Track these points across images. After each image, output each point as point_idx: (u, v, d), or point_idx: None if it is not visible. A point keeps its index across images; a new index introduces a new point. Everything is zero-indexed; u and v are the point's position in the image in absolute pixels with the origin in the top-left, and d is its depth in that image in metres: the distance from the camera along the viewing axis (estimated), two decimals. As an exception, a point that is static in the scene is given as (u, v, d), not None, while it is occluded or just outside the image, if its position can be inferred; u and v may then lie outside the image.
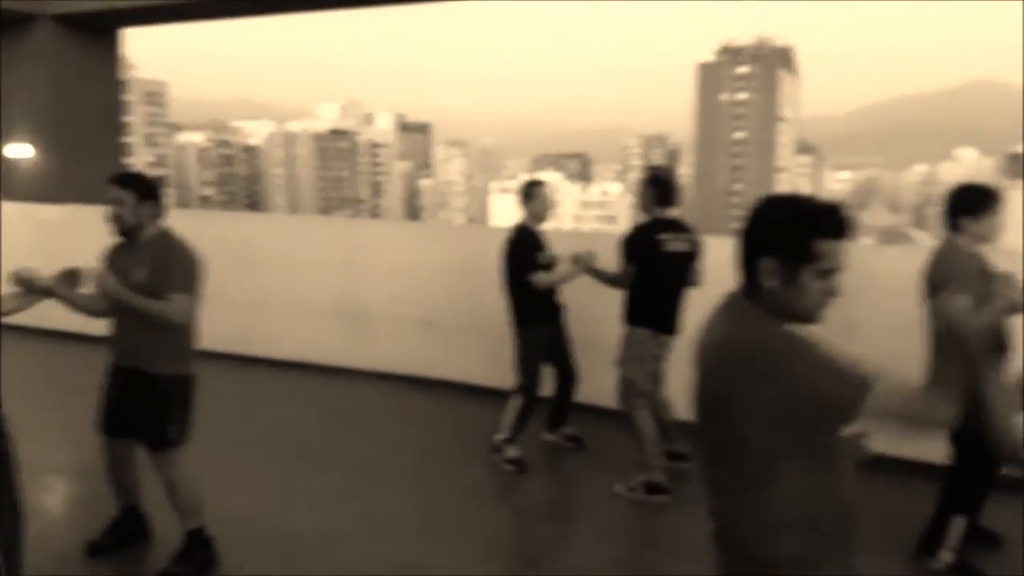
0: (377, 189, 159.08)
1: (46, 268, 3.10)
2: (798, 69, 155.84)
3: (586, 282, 4.79)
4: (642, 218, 4.44)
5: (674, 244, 4.33)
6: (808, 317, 1.64)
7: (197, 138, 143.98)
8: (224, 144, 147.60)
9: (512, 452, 4.79)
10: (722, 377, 1.62)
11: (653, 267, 4.31)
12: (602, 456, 5.08)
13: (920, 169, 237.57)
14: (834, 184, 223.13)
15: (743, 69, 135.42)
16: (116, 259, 3.47)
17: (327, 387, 6.55)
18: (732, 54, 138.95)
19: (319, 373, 6.81)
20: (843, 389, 1.53)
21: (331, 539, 3.87)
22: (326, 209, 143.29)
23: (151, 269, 3.36)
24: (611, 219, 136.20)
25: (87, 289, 3.43)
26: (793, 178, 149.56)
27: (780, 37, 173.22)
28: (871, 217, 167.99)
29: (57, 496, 4.42)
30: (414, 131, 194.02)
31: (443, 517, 4.18)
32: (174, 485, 3.44)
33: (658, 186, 4.37)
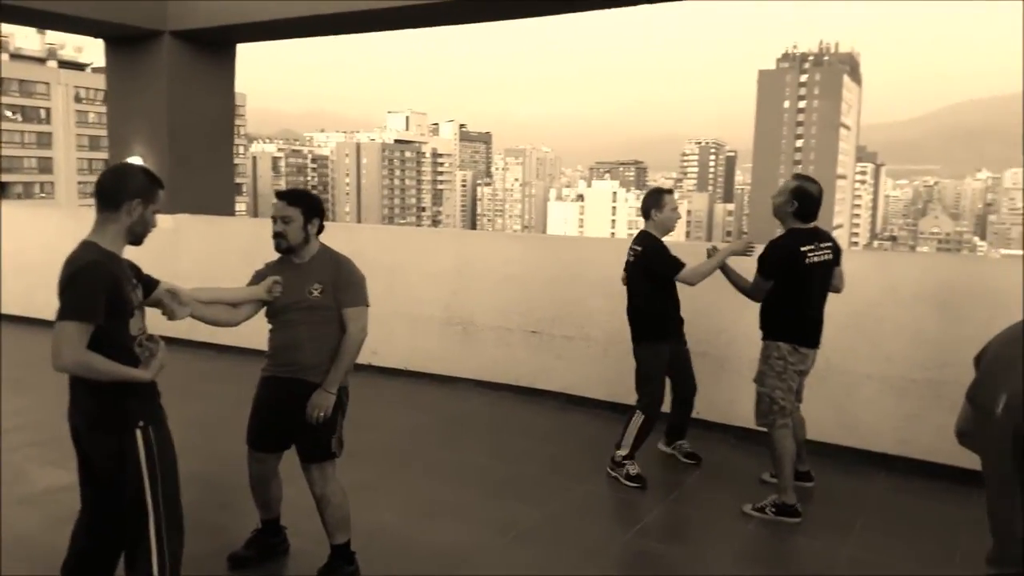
0: (438, 197, 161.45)
1: (154, 274, 3.05)
2: (861, 76, 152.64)
3: (696, 294, 4.73)
4: (780, 230, 4.33)
5: (817, 255, 4.21)
6: None
7: (270, 148, 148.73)
8: (295, 154, 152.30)
9: (634, 469, 4.74)
10: None
11: (796, 281, 4.19)
12: (720, 473, 5.01)
13: (983, 176, 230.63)
14: (892, 191, 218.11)
15: (806, 76, 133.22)
16: (281, 279, 3.45)
17: (433, 395, 6.61)
18: (795, 61, 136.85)
19: (423, 381, 6.89)
20: None
21: (464, 554, 3.87)
22: (390, 217, 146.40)
23: (325, 285, 3.39)
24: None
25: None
26: (852, 185, 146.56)
27: (842, 42, 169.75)
28: (930, 224, 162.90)
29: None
30: (475, 140, 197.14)
31: (572, 534, 4.15)
32: (326, 499, 3.43)
33: (803, 199, 4.21)
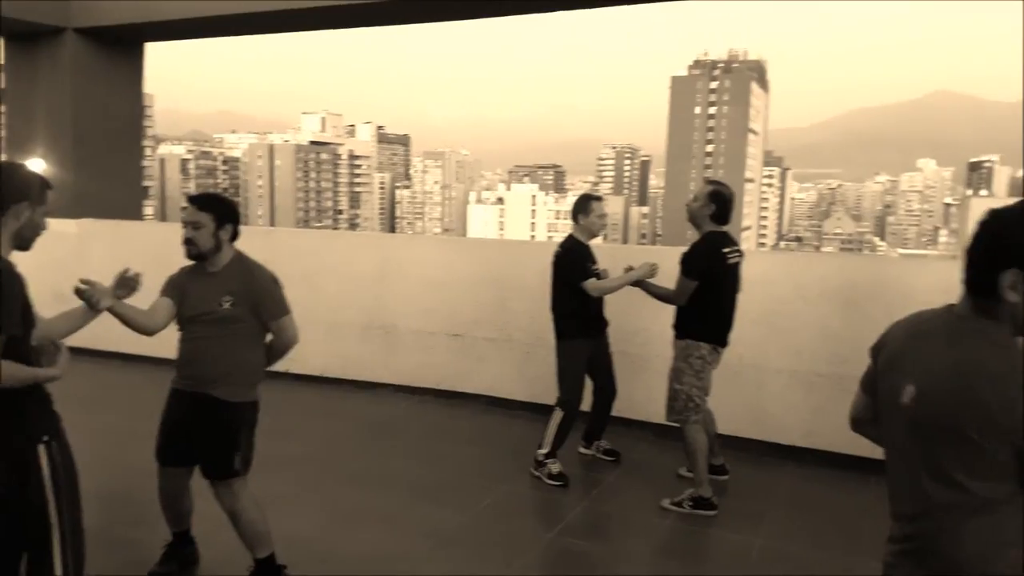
0: (356, 200, 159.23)
1: (60, 283, 2.94)
2: (768, 83, 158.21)
3: (615, 294, 4.81)
4: (693, 234, 4.47)
5: (733, 258, 4.38)
6: None
7: (179, 150, 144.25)
8: (205, 156, 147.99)
9: (555, 467, 4.81)
10: (979, 400, 1.59)
11: (717, 282, 4.33)
12: (639, 469, 5.13)
13: (882, 180, 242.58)
14: (797, 193, 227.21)
15: (716, 83, 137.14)
16: (192, 287, 3.35)
17: (354, 402, 6.53)
18: (706, 68, 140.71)
19: (344, 387, 6.80)
20: None
21: (389, 560, 3.85)
22: (305, 220, 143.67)
23: (237, 297, 3.30)
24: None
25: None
26: (760, 189, 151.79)
27: (751, 51, 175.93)
28: (833, 226, 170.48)
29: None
30: (393, 142, 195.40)
31: (495, 535, 4.17)
32: (237, 515, 3.35)
33: (720, 202, 4.36)
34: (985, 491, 1.61)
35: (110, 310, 3.01)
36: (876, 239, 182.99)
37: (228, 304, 3.29)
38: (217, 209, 3.32)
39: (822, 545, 4.11)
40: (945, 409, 1.65)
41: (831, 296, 5.22)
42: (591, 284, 4.65)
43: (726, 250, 4.33)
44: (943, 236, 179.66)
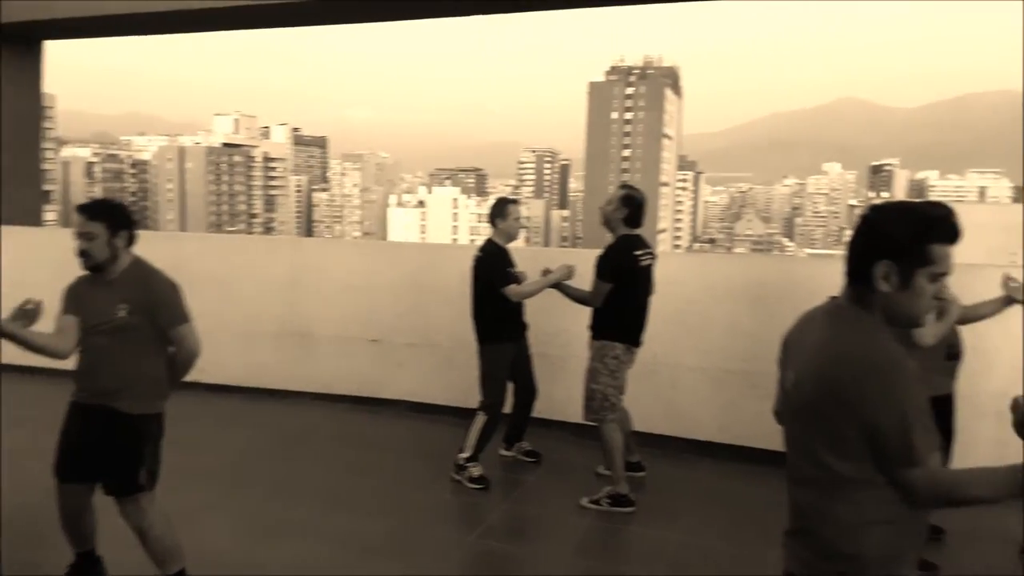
0: (271, 203, 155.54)
1: None
2: (681, 89, 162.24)
3: (536, 296, 4.85)
4: (610, 237, 4.54)
5: (646, 260, 4.49)
6: (918, 321, 1.76)
7: (83, 152, 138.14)
8: (112, 159, 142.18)
9: (476, 471, 4.82)
10: (837, 381, 1.69)
11: (630, 283, 4.43)
12: (559, 469, 5.18)
13: (790, 183, 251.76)
14: (710, 197, 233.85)
15: (632, 89, 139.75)
16: (88, 296, 3.22)
17: (270, 411, 6.38)
18: (622, 74, 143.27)
19: (259, 396, 6.63)
20: (913, 440, 1.63)
21: (308, 571, 3.78)
22: (218, 224, 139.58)
23: (133, 305, 3.18)
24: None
25: (43, 326, 3.17)
26: (675, 192, 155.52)
27: (665, 57, 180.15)
28: (744, 227, 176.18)
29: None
30: (310, 144, 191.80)
31: (416, 542, 4.15)
32: (144, 532, 3.24)
33: (632, 206, 4.48)
34: (848, 471, 1.71)
35: (19, 341, 2.93)
36: (785, 240, 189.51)
37: (124, 312, 3.17)
38: (109, 217, 3.20)
39: (736, 538, 4.23)
40: (813, 394, 1.76)
41: (740, 295, 5.39)
42: (512, 290, 4.70)
43: (639, 252, 4.44)
44: (848, 236, 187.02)
